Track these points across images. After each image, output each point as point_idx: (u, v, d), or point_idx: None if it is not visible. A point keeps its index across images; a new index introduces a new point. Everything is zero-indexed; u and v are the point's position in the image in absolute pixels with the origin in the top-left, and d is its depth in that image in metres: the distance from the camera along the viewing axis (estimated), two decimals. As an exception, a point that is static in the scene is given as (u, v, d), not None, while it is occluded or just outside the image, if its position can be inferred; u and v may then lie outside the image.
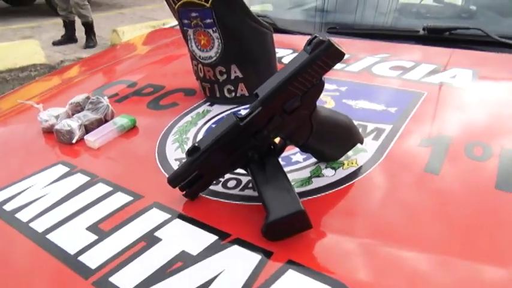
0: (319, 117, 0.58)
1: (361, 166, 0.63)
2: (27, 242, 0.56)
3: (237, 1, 0.77)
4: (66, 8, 4.20)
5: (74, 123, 0.80)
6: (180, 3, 0.78)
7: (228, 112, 0.83)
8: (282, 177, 0.54)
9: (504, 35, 1.04)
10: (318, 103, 0.82)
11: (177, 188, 0.59)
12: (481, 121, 0.73)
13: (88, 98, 0.90)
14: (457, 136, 0.68)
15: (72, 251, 0.53)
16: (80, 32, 4.43)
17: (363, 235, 0.51)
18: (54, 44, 4.39)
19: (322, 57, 0.52)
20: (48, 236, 0.56)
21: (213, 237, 0.52)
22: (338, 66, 1.00)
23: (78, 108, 0.89)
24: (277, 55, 1.01)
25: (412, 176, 0.60)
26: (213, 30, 0.79)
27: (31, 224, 0.59)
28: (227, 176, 0.64)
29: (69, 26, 4.41)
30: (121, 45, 1.62)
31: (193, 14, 0.78)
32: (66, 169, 0.71)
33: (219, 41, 0.79)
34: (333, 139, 0.61)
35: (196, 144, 0.56)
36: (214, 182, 0.62)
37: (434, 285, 0.43)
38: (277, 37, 1.24)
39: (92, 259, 0.51)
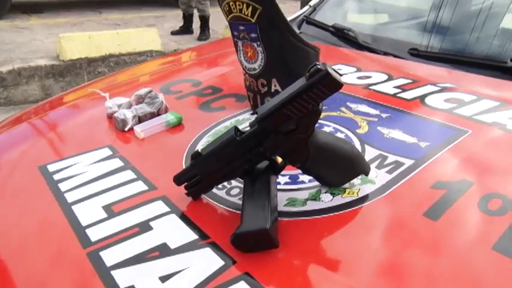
0: (318, 142, 0.59)
1: (360, 198, 0.62)
2: (58, 208, 0.67)
3: (280, 19, 0.80)
4: (187, 2, 4.59)
5: (128, 114, 0.92)
6: (230, 16, 0.84)
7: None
8: (264, 194, 0.57)
9: None
10: (349, 125, 0.83)
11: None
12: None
13: (150, 92, 1.01)
14: (479, 184, 0.63)
15: (84, 223, 0.63)
16: (197, 24, 4.79)
17: (328, 267, 0.52)
18: (172, 33, 4.81)
19: (318, 86, 0.53)
20: (73, 207, 0.67)
21: (193, 236, 0.57)
22: (392, 90, 1.00)
23: (140, 100, 1.01)
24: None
25: (406, 218, 0.58)
26: (257, 44, 0.83)
27: (66, 194, 0.71)
28: (233, 183, 0.68)
29: (187, 18, 4.80)
30: (213, 43, 1.73)
31: (241, 28, 0.83)
32: (110, 153, 0.82)
33: (262, 54, 0.84)
34: (331, 166, 0.61)
35: (199, 150, 0.62)
36: (220, 187, 0.68)
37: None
38: (352, 53, 1.23)
39: (95, 233, 0.60)
